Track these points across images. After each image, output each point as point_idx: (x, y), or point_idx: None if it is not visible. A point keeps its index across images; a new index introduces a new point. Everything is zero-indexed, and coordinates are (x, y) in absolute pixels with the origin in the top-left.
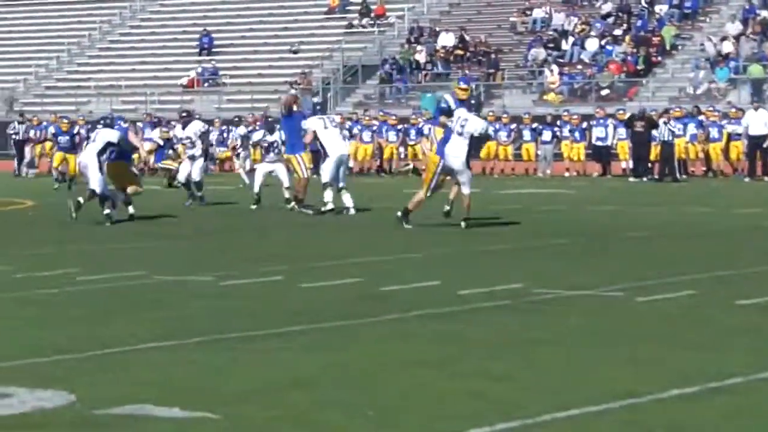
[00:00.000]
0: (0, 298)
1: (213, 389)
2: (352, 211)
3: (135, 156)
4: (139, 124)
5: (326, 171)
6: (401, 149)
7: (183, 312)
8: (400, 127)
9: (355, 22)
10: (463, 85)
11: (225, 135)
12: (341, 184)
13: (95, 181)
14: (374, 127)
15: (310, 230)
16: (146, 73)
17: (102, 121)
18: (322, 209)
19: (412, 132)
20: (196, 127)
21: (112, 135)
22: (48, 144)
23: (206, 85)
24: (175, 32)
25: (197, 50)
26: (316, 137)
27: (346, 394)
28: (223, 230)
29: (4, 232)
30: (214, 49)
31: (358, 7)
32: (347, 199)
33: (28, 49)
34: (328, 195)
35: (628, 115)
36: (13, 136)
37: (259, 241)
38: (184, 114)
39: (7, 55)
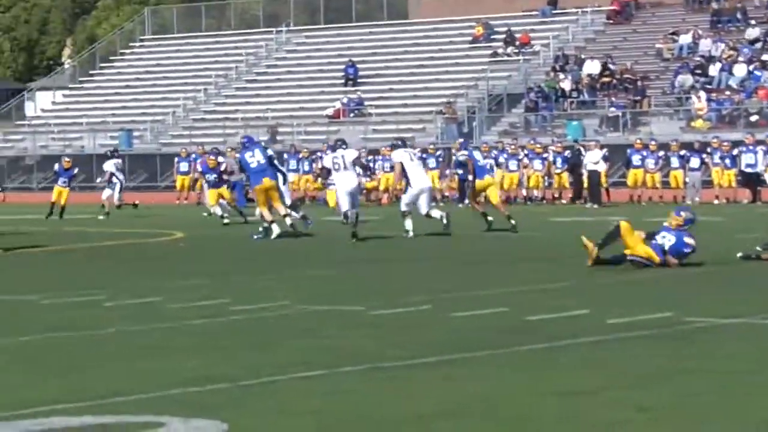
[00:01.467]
0: (154, 328)
1: (365, 418)
2: (411, 234)
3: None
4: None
5: (405, 200)
6: (546, 178)
7: (334, 341)
8: (545, 155)
9: (500, 50)
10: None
11: (372, 165)
12: (425, 210)
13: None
14: (520, 156)
15: (456, 259)
16: (292, 105)
17: (341, 145)
18: (405, 236)
19: (558, 160)
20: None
21: (354, 155)
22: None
23: (352, 115)
24: (321, 63)
25: (342, 81)
26: (402, 168)
27: (497, 423)
28: (368, 260)
29: (156, 263)
30: (359, 80)
31: (503, 36)
32: (435, 213)
33: (176, 82)
34: (408, 224)
35: None
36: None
37: (406, 270)
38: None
39: (156, 88)
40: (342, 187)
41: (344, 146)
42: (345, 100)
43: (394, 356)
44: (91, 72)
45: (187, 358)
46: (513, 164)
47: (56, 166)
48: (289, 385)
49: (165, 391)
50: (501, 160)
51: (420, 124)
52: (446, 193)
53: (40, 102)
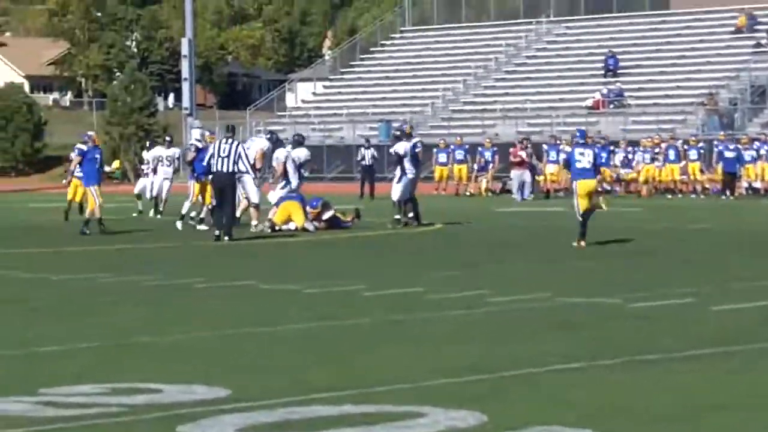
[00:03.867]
0: (413, 318)
1: (627, 411)
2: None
3: None
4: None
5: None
6: None
7: (594, 333)
8: None
9: (764, 41)
10: None
11: (630, 156)
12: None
13: None
14: None
15: (718, 252)
16: (551, 96)
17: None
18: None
19: None
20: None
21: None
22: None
23: (611, 106)
24: (581, 54)
25: (602, 72)
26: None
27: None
28: (621, 252)
29: (415, 253)
30: (619, 71)
31: (767, 26)
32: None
33: (435, 73)
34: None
35: None
36: (361, 162)
37: (666, 261)
38: None
39: (416, 79)
40: None
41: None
42: (605, 91)
43: (656, 349)
44: (351, 63)
45: (446, 349)
46: None
47: (75, 151)
48: (548, 377)
49: (424, 381)
50: (762, 152)
51: (681, 116)
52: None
53: (301, 93)
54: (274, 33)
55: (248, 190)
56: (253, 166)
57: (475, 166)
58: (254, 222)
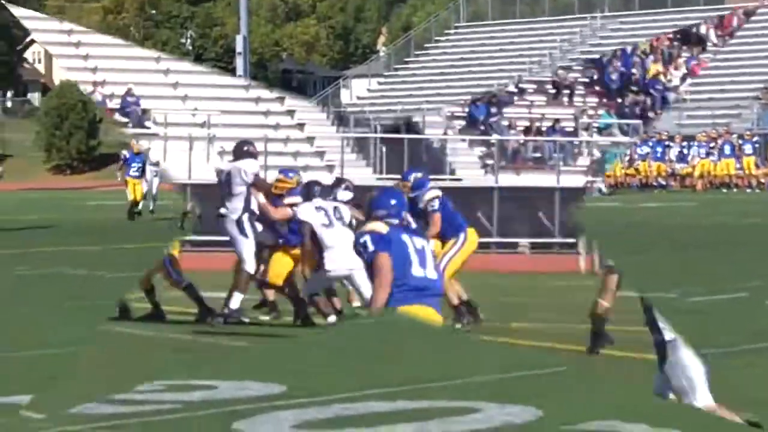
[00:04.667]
0: None
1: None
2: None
3: None
4: None
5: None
6: None
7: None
8: None
9: None
10: None
11: (685, 151)
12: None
13: None
14: None
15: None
16: None
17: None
18: None
19: None
20: None
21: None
22: None
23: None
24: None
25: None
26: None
27: None
28: (678, 246)
29: None
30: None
31: None
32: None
33: (490, 68)
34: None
35: None
36: None
37: (721, 256)
38: None
39: (470, 75)
40: None
41: None
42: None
43: (711, 344)
44: (405, 59)
45: (499, 345)
46: None
47: (124, 153)
48: (603, 372)
49: (478, 377)
50: None
51: (736, 110)
52: None
53: (356, 89)
54: (328, 29)
55: None
56: None
57: None
58: None
